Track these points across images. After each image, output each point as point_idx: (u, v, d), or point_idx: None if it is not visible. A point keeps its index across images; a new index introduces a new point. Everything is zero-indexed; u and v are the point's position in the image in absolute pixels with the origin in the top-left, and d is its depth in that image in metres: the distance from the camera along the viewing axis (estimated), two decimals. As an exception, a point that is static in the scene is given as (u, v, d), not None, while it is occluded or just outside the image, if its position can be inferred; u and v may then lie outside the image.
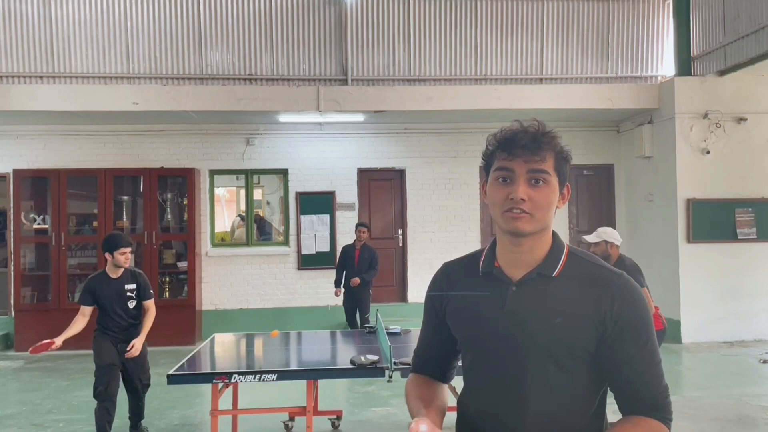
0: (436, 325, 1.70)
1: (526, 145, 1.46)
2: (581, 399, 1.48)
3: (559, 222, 10.08)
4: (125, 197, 9.49)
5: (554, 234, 1.58)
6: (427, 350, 1.76)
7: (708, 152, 8.82)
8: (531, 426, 1.48)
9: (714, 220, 8.77)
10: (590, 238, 5.18)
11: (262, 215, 10.78)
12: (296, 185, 9.95)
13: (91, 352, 5.02)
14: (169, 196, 9.56)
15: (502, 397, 1.41)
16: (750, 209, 8.87)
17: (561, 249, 1.55)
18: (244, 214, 10.27)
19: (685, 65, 9.33)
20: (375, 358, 4.34)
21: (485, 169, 1.56)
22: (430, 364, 1.76)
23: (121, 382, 5.01)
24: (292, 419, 5.27)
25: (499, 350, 1.52)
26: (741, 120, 8.87)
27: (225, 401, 4.83)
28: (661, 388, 1.48)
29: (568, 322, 1.46)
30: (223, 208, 11.95)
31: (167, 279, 9.43)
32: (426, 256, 9.86)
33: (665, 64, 10.01)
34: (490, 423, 1.51)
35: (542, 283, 1.51)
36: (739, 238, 8.84)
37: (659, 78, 9.97)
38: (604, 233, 5.12)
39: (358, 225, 8.31)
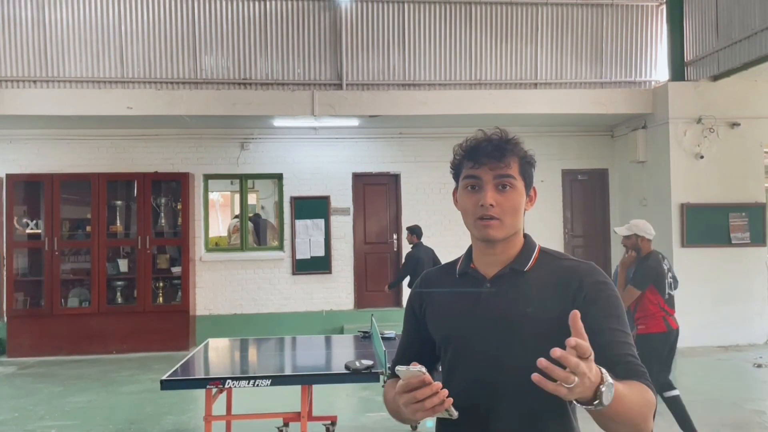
0: (416, 330, 1.75)
1: (491, 153, 1.53)
2: None
3: (554, 227, 10.11)
4: (119, 202, 9.45)
5: (526, 236, 1.66)
6: (406, 355, 1.76)
7: (702, 157, 8.86)
8: (508, 419, 1.50)
9: (708, 225, 8.80)
10: (620, 231, 5.05)
11: (258, 214, 10.77)
12: (291, 190, 9.93)
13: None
14: (163, 200, 9.52)
15: (479, 391, 1.44)
16: (743, 214, 8.90)
17: (533, 248, 1.63)
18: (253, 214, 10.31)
19: (678, 70, 9.38)
20: (370, 363, 4.32)
21: (454, 177, 1.65)
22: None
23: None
24: (286, 425, 5.24)
25: (475, 345, 1.57)
26: (734, 125, 8.92)
27: (219, 407, 4.79)
28: (639, 362, 1.46)
29: (540, 309, 1.51)
30: (217, 213, 11.92)
31: (161, 284, 9.38)
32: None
33: (659, 69, 10.05)
34: (469, 418, 1.50)
35: (514, 277, 1.58)
36: (732, 242, 8.87)
37: (653, 83, 10.01)
38: (635, 226, 4.92)
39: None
